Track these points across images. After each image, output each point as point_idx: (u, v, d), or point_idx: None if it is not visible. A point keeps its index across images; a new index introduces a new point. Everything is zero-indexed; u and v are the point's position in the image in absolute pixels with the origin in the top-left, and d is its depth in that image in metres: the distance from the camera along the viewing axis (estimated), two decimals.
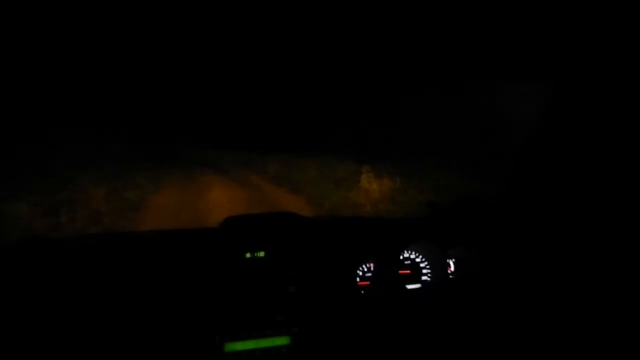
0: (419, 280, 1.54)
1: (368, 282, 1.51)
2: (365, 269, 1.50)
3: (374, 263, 1.50)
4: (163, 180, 6.93)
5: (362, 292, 1.43)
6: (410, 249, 1.51)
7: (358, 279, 1.48)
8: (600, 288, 1.34)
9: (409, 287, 1.51)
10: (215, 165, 9.24)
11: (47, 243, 1.30)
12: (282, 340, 1.27)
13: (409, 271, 1.55)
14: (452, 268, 1.56)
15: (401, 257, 1.50)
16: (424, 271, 1.56)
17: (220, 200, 5.49)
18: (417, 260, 1.55)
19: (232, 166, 8.99)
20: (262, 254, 1.36)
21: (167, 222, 4.50)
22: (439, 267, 1.51)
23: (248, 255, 1.35)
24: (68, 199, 4.83)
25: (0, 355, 1.14)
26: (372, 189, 5.25)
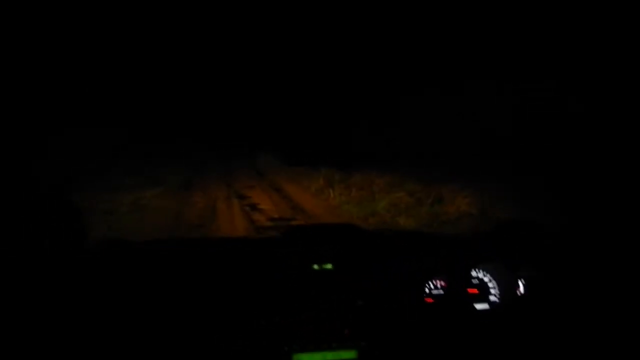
0: (486, 300, 1.54)
1: (436, 300, 1.51)
2: (433, 287, 1.51)
3: (442, 280, 1.50)
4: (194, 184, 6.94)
5: (430, 309, 1.43)
6: (479, 267, 1.52)
7: (426, 296, 1.49)
8: None
9: (477, 306, 1.51)
10: (249, 170, 9.20)
11: (124, 245, 1.33)
12: (349, 354, 1.28)
13: (477, 291, 1.55)
14: (522, 289, 1.55)
15: (470, 276, 1.51)
16: (492, 291, 1.56)
17: (259, 206, 5.48)
18: (485, 279, 1.55)
19: (268, 171, 8.93)
20: (329, 266, 1.37)
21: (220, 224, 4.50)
22: (507, 288, 1.50)
23: (315, 266, 1.36)
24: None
25: (73, 351, 1.17)
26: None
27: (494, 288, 1.52)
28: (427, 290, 1.47)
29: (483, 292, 1.51)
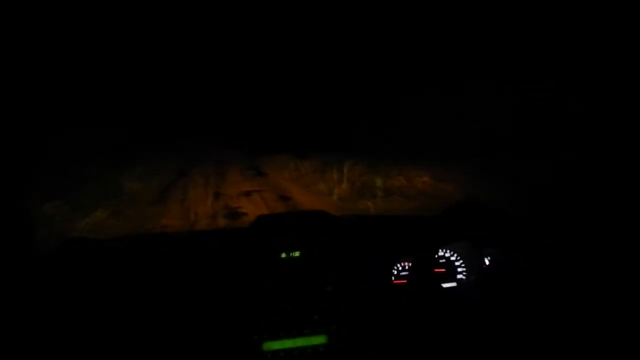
0: (454, 279, 1.55)
1: (404, 281, 1.52)
2: (401, 268, 1.52)
3: (409, 262, 1.51)
4: (191, 178, 6.98)
5: (398, 290, 1.44)
6: (445, 247, 1.53)
7: (394, 278, 1.50)
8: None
9: (444, 285, 1.52)
10: (241, 164, 9.19)
11: (82, 245, 1.34)
12: (319, 339, 1.30)
13: (444, 270, 1.57)
14: (487, 264, 1.56)
15: (436, 256, 1.52)
16: (459, 270, 1.57)
17: (246, 200, 5.53)
18: (452, 258, 1.57)
19: (261, 166, 8.93)
20: (297, 253, 1.39)
21: (196, 221, 4.57)
22: (474, 266, 1.52)
23: (283, 255, 1.38)
24: (96, 197, 4.94)
25: (36, 355, 1.17)
26: (398, 186, 5.23)
27: (460, 267, 1.53)
28: (394, 272, 1.48)
29: (450, 271, 1.52)
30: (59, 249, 1.33)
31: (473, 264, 1.53)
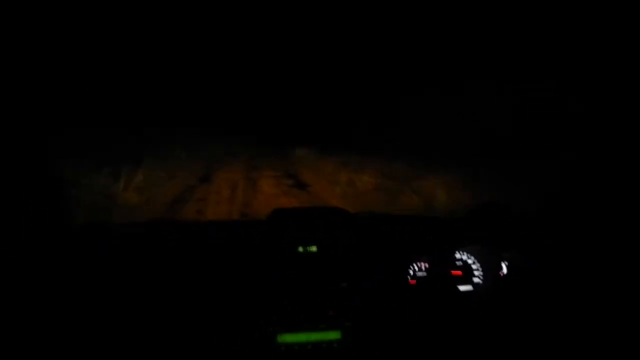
0: (470, 282, 1.54)
1: (420, 281, 1.51)
2: (417, 268, 1.51)
3: (426, 262, 1.51)
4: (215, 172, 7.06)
5: (414, 290, 1.43)
6: (463, 249, 1.52)
7: (409, 277, 1.50)
8: None
9: (461, 288, 1.51)
10: (263, 161, 9.21)
11: (103, 229, 1.36)
12: (333, 335, 1.30)
13: (460, 272, 1.55)
14: (505, 271, 1.55)
15: (453, 258, 1.51)
16: (476, 273, 1.56)
17: (268, 194, 5.55)
18: (469, 261, 1.55)
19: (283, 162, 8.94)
20: (314, 248, 1.39)
21: (219, 212, 4.62)
22: (491, 270, 1.51)
23: (300, 249, 1.38)
24: (126, 184, 5.01)
25: (60, 334, 1.19)
26: (420, 187, 5.23)
27: (477, 270, 1.52)
28: (410, 272, 1.47)
29: (466, 274, 1.51)
30: (84, 230, 1.35)
31: (490, 268, 1.52)
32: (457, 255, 1.53)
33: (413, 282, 1.51)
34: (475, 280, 1.54)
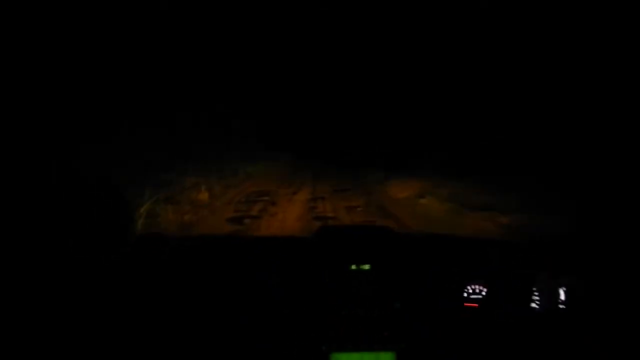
0: (527, 307, 1.52)
1: (475, 305, 1.49)
2: (471, 290, 1.49)
3: (483, 285, 1.49)
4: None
5: (469, 313, 1.42)
6: (520, 274, 1.50)
7: (465, 300, 1.48)
8: None
9: (517, 313, 1.49)
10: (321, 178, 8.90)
11: (161, 240, 1.36)
12: (387, 357, 1.27)
13: (516, 297, 1.53)
14: (563, 297, 1.53)
15: (510, 282, 1.50)
16: (533, 298, 1.54)
17: (327, 214, 5.40)
18: (527, 286, 1.54)
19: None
20: (367, 267, 1.37)
21: (277, 228, 4.53)
22: (549, 297, 1.49)
23: (353, 267, 1.36)
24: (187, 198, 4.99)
25: (118, 341, 1.20)
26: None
27: (534, 295, 1.49)
28: (466, 294, 1.45)
29: (523, 299, 1.48)
30: (138, 242, 1.36)
31: (548, 295, 1.50)
32: (514, 280, 1.52)
33: (468, 304, 1.49)
34: (532, 305, 1.52)
